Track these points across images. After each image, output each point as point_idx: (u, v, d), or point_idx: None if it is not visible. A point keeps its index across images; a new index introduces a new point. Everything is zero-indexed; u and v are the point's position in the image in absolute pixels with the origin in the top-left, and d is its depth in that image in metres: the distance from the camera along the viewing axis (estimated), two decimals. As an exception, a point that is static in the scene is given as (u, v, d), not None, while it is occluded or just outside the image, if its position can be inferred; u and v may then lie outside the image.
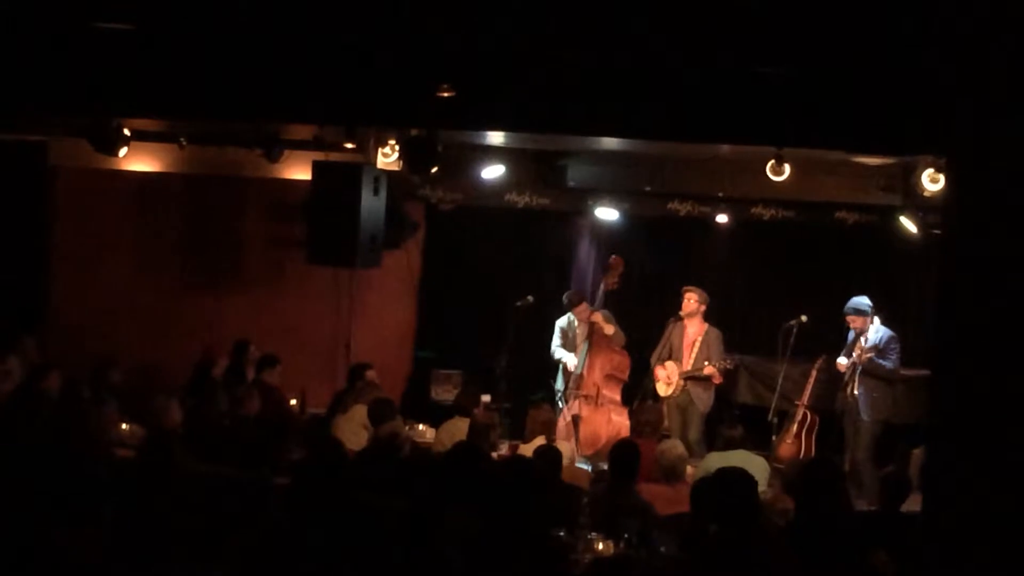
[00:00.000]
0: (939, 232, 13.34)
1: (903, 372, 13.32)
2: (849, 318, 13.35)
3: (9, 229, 14.88)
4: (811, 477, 8.56)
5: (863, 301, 13.32)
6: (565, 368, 14.32)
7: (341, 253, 13.41)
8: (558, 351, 14.39)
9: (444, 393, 15.18)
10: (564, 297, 14.56)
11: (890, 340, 13.18)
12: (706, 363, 13.80)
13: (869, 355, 13.05)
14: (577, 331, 14.29)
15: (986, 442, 5.45)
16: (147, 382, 13.71)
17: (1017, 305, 5.18)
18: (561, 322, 14.49)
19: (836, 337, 13.91)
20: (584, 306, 14.24)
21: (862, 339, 13.21)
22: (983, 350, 5.43)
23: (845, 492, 8.97)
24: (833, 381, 13.90)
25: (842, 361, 13.39)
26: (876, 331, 13.25)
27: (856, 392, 13.18)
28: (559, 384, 14.38)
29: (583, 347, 14.10)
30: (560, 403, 14.00)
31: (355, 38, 10.34)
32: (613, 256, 14.35)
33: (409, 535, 7.11)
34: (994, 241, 5.27)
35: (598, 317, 14.05)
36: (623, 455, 9.33)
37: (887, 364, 13.11)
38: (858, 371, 13.15)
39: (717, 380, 13.93)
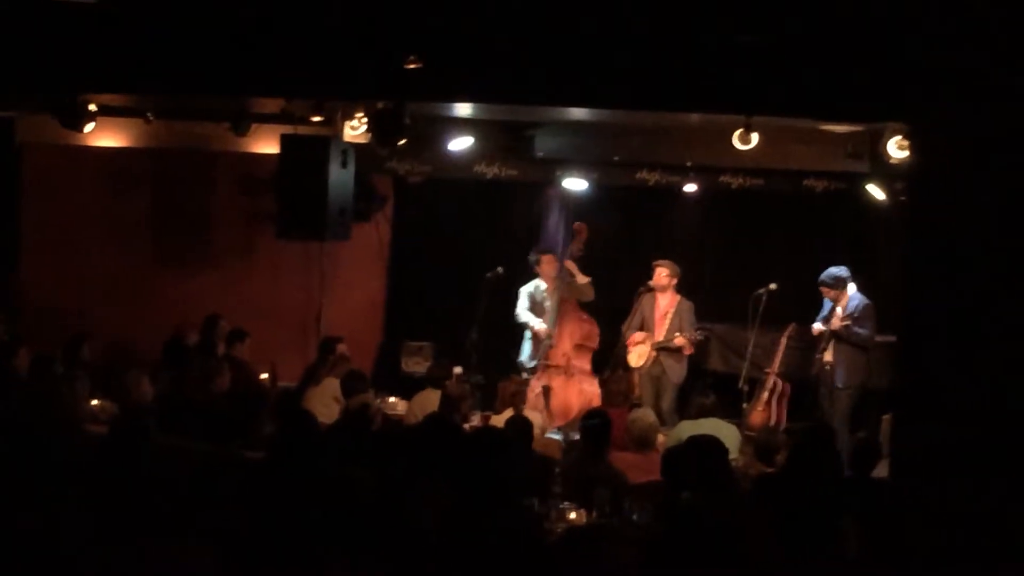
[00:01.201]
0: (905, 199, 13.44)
1: (878, 339, 13.36)
2: (823, 289, 13.40)
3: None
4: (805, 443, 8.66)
5: (837, 272, 13.36)
6: (534, 337, 14.35)
7: (310, 227, 13.41)
8: (524, 314, 14.40)
9: (415, 365, 15.20)
10: (530, 257, 14.59)
11: (866, 308, 13.21)
12: (677, 334, 13.85)
13: (845, 323, 13.11)
14: (545, 295, 14.31)
15: (951, 407, 5.50)
16: (118, 358, 13.70)
17: (979, 273, 5.23)
18: (528, 287, 14.51)
19: (806, 305, 13.98)
20: (550, 257, 14.29)
21: (838, 308, 13.27)
22: (948, 319, 5.48)
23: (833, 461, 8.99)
24: (803, 348, 13.99)
25: (817, 326, 13.44)
26: (852, 299, 13.29)
27: (831, 359, 13.26)
28: (525, 354, 14.39)
29: (551, 315, 14.12)
30: (525, 374, 14.02)
31: (322, 10, 10.32)
32: (577, 223, 14.38)
33: (382, 507, 7.12)
34: (958, 208, 5.31)
35: (571, 264, 14.11)
36: (594, 425, 9.36)
37: (863, 332, 13.16)
38: (831, 338, 13.23)
39: (688, 351, 14.00)
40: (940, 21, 5.29)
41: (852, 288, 13.38)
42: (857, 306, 13.19)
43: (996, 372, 5.74)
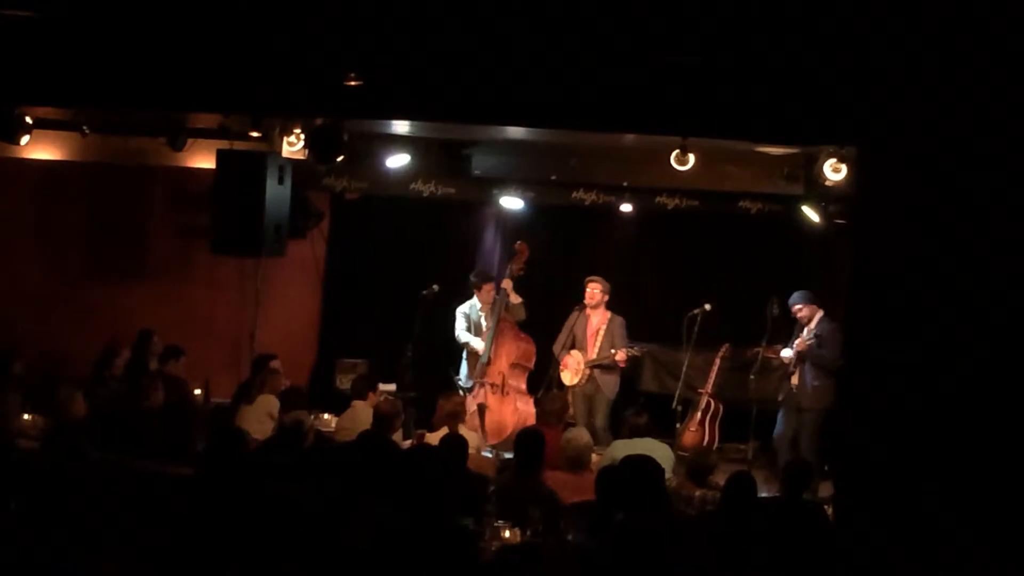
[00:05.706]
0: (841, 221, 13.53)
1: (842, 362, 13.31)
2: (796, 307, 13.38)
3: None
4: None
5: (802, 292, 13.39)
6: (469, 356, 14.37)
7: (246, 242, 13.38)
8: (463, 334, 14.42)
9: (349, 383, 15.17)
10: (471, 277, 14.59)
11: (831, 332, 13.06)
12: (612, 351, 13.86)
13: (810, 343, 13.08)
14: (481, 315, 14.34)
15: (895, 430, 5.54)
16: (51, 373, 13.58)
17: (925, 294, 5.26)
18: (463, 308, 14.51)
19: (740, 326, 14.06)
20: (490, 286, 14.32)
21: (805, 330, 13.27)
22: (892, 341, 5.50)
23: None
24: (737, 369, 14.02)
25: (786, 354, 13.38)
26: (819, 322, 13.26)
27: (796, 382, 13.22)
28: (463, 373, 14.40)
29: (488, 333, 14.13)
30: (463, 392, 13.99)
31: (260, 26, 10.31)
32: (519, 242, 14.39)
33: (316, 524, 7.11)
34: (903, 229, 5.34)
35: (508, 283, 14.12)
36: (528, 444, 9.36)
37: (825, 354, 13.03)
38: (798, 360, 13.19)
39: (623, 364, 13.95)
40: (876, 42, 5.34)
41: (820, 312, 13.34)
42: (824, 328, 13.13)
43: (942, 392, 5.78)
